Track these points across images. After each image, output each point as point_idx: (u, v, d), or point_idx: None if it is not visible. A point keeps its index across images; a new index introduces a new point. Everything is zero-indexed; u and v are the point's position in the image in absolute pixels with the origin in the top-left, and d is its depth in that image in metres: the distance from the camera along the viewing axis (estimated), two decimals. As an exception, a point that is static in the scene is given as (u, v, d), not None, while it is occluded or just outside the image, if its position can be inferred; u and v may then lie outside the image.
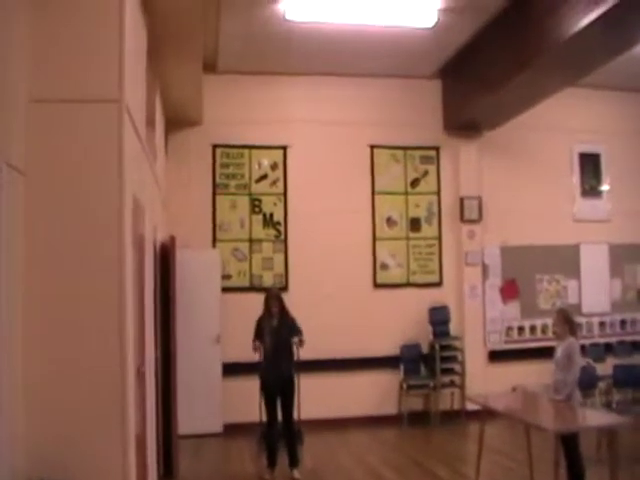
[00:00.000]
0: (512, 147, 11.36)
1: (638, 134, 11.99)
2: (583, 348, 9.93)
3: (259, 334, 7.92)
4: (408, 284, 10.81)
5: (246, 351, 9.46)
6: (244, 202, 10.40)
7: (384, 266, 10.78)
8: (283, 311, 7.95)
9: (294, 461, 7.67)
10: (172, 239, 7.96)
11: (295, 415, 8.00)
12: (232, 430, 9.60)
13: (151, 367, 6.49)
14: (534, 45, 8.18)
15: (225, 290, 10.04)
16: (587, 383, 8.17)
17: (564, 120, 11.45)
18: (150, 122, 6.90)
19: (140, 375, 5.31)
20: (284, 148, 10.59)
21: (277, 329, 7.84)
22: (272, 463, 7.69)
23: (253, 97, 10.45)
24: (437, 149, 11.16)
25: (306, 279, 10.33)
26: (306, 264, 10.33)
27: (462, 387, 10.38)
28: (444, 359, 10.38)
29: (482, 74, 9.66)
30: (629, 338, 11.57)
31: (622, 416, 6.59)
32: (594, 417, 6.51)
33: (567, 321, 6.76)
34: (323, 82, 10.68)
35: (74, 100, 4.39)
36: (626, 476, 6.48)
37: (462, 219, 11.02)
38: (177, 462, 7.71)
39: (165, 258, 7.85)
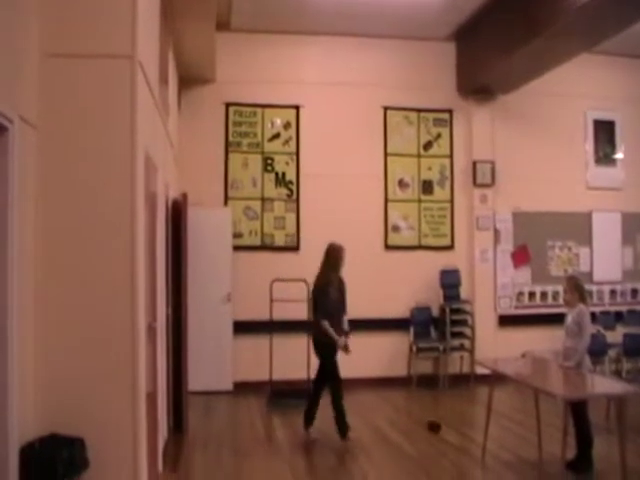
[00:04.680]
0: (526, 112, 11.26)
1: (653, 101, 11.86)
2: (593, 316, 9.89)
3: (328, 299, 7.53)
4: (419, 247, 10.80)
5: (257, 310, 9.59)
6: (256, 161, 10.38)
7: (395, 228, 10.76)
8: None
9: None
10: (184, 197, 7.95)
11: (304, 374, 7.99)
12: (242, 388, 9.69)
13: (162, 324, 6.53)
14: (549, 11, 8.11)
15: (236, 249, 10.05)
16: (597, 351, 8.18)
17: (578, 86, 11.34)
18: (163, 79, 6.87)
19: (151, 331, 5.35)
20: (297, 108, 10.53)
21: (338, 288, 7.70)
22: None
23: (266, 56, 10.37)
24: (450, 112, 11.08)
25: (317, 240, 10.22)
26: (317, 224, 10.31)
27: (472, 351, 10.40)
28: (454, 323, 10.40)
29: (496, 38, 9.56)
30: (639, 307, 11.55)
31: (631, 385, 6.58)
32: (604, 385, 6.51)
33: (577, 288, 6.73)
34: (337, 43, 10.59)
35: (87, 55, 4.37)
36: (634, 446, 6.49)
37: (475, 183, 10.97)
38: (187, 418, 7.79)
39: (177, 216, 7.85)
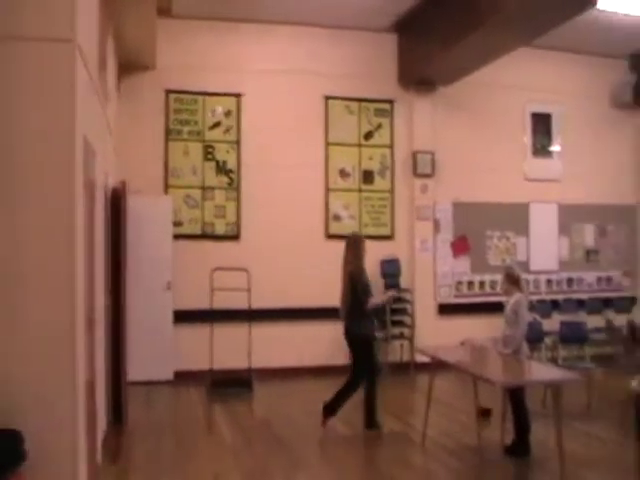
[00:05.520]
0: (466, 104, 11.39)
1: (589, 96, 12.16)
2: (531, 304, 10.11)
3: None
4: (360, 236, 10.84)
5: (197, 299, 9.52)
6: (197, 149, 10.27)
7: (336, 217, 10.79)
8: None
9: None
10: (123, 184, 7.82)
11: (246, 363, 7.95)
12: (183, 378, 9.60)
13: (101, 314, 6.43)
14: (490, 3, 8.23)
15: (177, 237, 9.95)
16: (534, 338, 8.35)
17: (518, 79, 11.55)
18: (102, 64, 6.74)
19: (90, 322, 5.26)
20: (238, 96, 10.45)
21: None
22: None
23: (208, 43, 10.27)
24: (392, 103, 11.14)
25: (258, 229, 10.29)
26: (258, 213, 10.29)
27: (412, 339, 10.51)
28: (394, 311, 10.48)
29: (438, 30, 9.64)
30: (575, 296, 11.84)
31: (567, 372, 6.73)
32: (541, 372, 6.63)
33: (513, 278, 6.85)
34: (279, 31, 10.55)
35: (26, 38, 4.26)
36: (570, 430, 6.67)
37: (415, 173, 11.06)
38: (127, 409, 7.69)
39: (116, 204, 7.71)
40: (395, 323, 10.55)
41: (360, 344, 7.49)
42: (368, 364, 7.47)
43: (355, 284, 7.46)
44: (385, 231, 10.94)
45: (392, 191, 11.06)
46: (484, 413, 7.52)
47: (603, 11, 9.64)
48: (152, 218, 9.65)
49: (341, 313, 7.65)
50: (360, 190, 10.93)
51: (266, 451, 6.81)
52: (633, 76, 12.21)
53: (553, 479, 5.76)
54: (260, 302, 9.66)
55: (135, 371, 8.54)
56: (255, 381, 9.24)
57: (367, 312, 7.49)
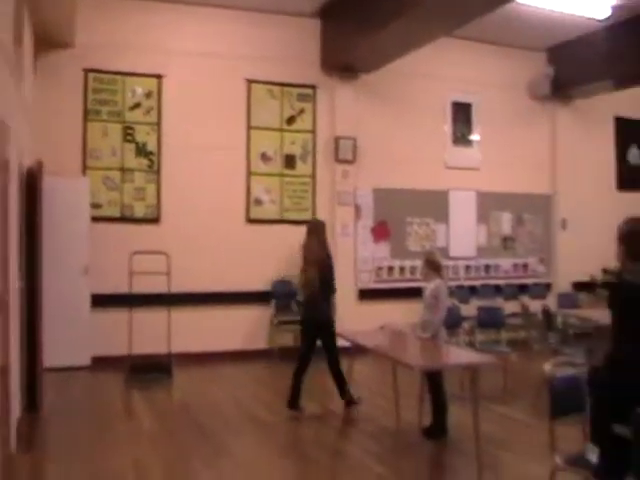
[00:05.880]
0: (388, 92, 11.50)
1: (509, 87, 12.47)
2: (449, 290, 10.28)
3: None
4: (281, 220, 10.83)
5: (116, 283, 9.35)
6: (116, 130, 10.05)
7: (258, 201, 10.74)
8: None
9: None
10: (39, 164, 7.59)
11: (165, 348, 7.87)
12: (101, 363, 9.40)
13: (15, 298, 6.24)
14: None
15: (95, 220, 9.72)
16: (452, 323, 8.47)
17: (440, 69, 11.75)
18: (17, 40, 6.51)
19: (3, 305, 5.10)
20: (159, 77, 10.27)
21: None
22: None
23: (129, 23, 10.06)
24: (314, 88, 11.14)
25: (179, 212, 10.17)
26: (179, 196, 10.17)
27: (332, 324, 10.54)
28: (315, 296, 10.50)
29: (361, 17, 9.66)
30: (492, 282, 12.14)
31: (484, 355, 6.86)
32: (458, 355, 6.73)
33: (432, 264, 6.95)
34: (203, 13, 10.43)
35: None
36: (487, 413, 6.82)
37: (337, 159, 11.10)
38: (41, 395, 7.49)
39: (31, 184, 7.48)
40: (316, 308, 10.57)
41: (329, 328, 7.58)
42: (333, 347, 7.56)
43: (326, 271, 7.56)
44: (306, 216, 10.93)
45: (313, 176, 11.08)
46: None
47: (524, 4, 9.84)
48: (69, 200, 9.39)
49: (305, 299, 7.72)
50: (282, 175, 10.90)
51: (186, 437, 6.74)
52: (551, 69, 12.53)
53: (469, 460, 5.86)
54: (180, 286, 9.56)
55: (51, 357, 8.30)
56: (175, 366, 9.13)
57: (333, 298, 7.64)
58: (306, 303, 7.71)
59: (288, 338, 10.60)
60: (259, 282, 10.50)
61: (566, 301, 10.53)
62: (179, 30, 10.34)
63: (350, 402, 7.55)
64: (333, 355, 7.55)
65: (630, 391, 3.86)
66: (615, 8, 10.21)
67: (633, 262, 4.25)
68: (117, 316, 9.33)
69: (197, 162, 10.29)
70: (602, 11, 10.29)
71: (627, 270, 4.28)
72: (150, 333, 9.29)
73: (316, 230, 7.73)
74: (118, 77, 10.08)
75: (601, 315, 5.25)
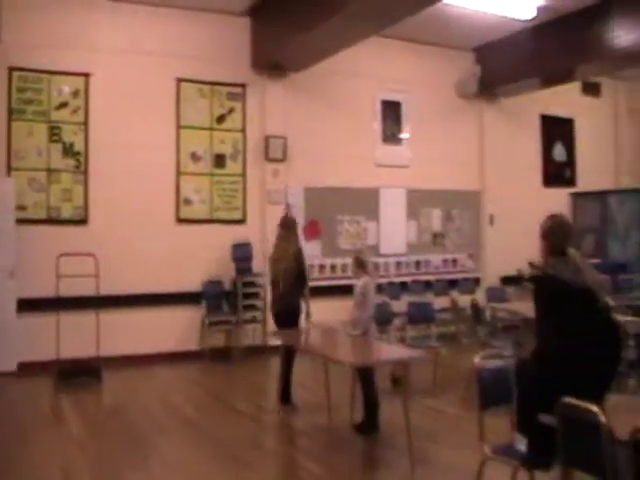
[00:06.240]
0: (318, 90, 11.54)
1: (437, 86, 12.71)
2: (380, 287, 10.40)
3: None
4: (212, 220, 10.77)
5: (43, 286, 9.15)
6: (42, 130, 9.82)
7: (188, 201, 10.65)
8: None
9: None
10: (-39, 166, 7.41)
11: (94, 352, 7.76)
12: (28, 369, 9.15)
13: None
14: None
15: (20, 222, 9.46)
16: (383, 320, 8.56)
17: (369, 68, 11.86)
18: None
19: None
20: (87, 75, 10.08)
21: None
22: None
23: (56, 20, 9.81)
24: (244, 87, 11.11)
25: (107, 213, 10.01)
26: (108, 197, 10.00)
27: (264, 323, 10.54)
28: (246, 296, 10.51)
29: (291, 16, 9.69)
30: (423, 277, 12.30)
31: (415, 350, 6.96)
32: (388, 351, 6.81)
33: (359, 262, 7.04)
34: (131, 10, 10.27)
35: None
36: (417, 406, 6.96)
37: (267, 158, 11.09)
38: (-36, 402, 7.32)
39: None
40: (247, 307, 10.57)
41: (294, 323, 7.71)
42: None
43: (300, 266, 7.73)
44: (237, 215, 10.92)
45: (244, 175, 11.05)
46: (396, 381, 7.85)
47: (452, 5, 10.02)
48: (-7, 201, 9.17)
49: (280, 291, 7.76)
50: (212, 174, 10.84)
51: (115, 441, 6.65)
52: (478, 68, 12.77)
53: (400, 453, 5.95)
54: (109, 288, 9.43)
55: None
56: (105, 370, 8.99)
57: (307, 291, 7.89)
58: (280, 296, 7.77)
59: (219, 339, 10.59)
60: (190, 283, 10.41)
61: (494, 295, 10.71)
62: (107, 27, 10.15)
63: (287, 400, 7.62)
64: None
65: (556, 385, 3.95)
66: (540, 9, 10.48)
67: (555, 257, 4.35)
68: (44, 320, 9.12)
69: (126, 162, 10.13)
70: (528, 12, 10.56)
71: (549, 265, 4.37)
72: (79, 337, 9.12)
73: (292, 225, 7.98)
74: (44, 75, 9.84)
75: (528, 308, 5.36)
